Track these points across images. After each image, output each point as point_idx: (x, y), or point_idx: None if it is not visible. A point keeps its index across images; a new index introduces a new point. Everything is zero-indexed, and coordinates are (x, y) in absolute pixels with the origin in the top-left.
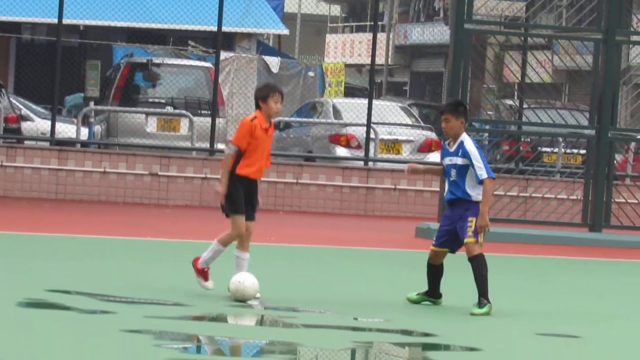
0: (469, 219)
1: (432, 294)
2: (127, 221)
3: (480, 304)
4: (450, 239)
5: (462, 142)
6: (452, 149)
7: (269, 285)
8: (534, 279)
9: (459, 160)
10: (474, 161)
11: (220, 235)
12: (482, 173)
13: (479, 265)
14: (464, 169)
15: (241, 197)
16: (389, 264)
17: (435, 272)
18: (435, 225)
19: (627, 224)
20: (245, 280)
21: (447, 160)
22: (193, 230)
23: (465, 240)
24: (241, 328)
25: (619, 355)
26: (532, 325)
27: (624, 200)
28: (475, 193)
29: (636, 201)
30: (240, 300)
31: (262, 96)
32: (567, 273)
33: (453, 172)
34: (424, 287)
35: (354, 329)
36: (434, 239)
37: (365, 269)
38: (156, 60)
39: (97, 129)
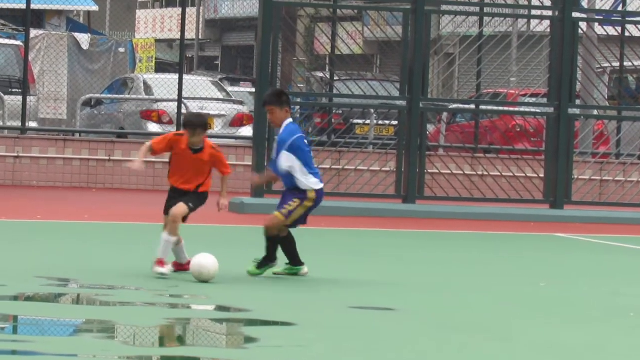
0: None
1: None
2: None
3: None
4: None
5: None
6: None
7: (86, 262)
8: (349, 252)
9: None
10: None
11: None
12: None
13: None
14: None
15: None
16: (205, 241)
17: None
18: (248, 200)
19: (440, 194)
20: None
21: None
22: (6, 209)
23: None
24: (57, 307)
25: (429, 326)
26: (347, 298)
27: (437, 171)
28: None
29: (449, 172)
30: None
31: None
32: (381, 245)
33: None
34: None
35: (171, 305)
36: None
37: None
38: None
39: None
